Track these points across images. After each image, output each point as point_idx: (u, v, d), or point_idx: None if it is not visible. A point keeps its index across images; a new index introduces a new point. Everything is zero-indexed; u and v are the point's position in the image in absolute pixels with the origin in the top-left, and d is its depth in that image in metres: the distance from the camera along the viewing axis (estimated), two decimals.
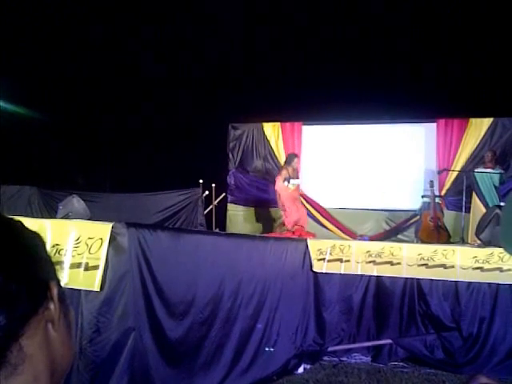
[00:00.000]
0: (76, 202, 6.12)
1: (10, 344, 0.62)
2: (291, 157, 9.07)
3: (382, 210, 10.60)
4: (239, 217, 11.23)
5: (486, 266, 5.63)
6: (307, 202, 10.21)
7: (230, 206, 11.21)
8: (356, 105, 9.88)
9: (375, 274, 5.91)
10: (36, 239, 0.74)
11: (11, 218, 0.72)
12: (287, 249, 5.68)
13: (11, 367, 0.62)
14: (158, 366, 3.94)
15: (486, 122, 10.14)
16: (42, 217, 8.25)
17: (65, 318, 0.73)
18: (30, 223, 0.74)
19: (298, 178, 8.87)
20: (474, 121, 10.22)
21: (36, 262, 0.69)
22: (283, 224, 9.02)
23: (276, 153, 11.31)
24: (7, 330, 0.62)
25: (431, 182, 8.98)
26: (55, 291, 0.70)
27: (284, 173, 8.74)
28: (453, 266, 5.71)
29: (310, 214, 9.97)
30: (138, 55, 11.15)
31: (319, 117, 10.95)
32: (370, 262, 5.90)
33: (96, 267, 3.66)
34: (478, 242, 6.32)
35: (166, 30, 10.49)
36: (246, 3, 9.76)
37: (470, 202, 8.67)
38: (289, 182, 8.65)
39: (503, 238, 1.02)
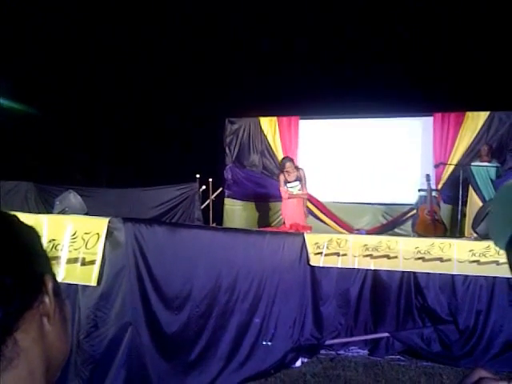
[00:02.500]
0: (73, 197, 6.10)
1: (4, 338, 0.62)
2: (282, 162, 8.79)
3: (379, 204, 10.62)
4: (236, 211, 11.22)
5: (483, 260, 5.64)
6: None
7: (227, 201, 11.21)
8: (353, 99, 9.88)
9: (372, 267, 5.91)
10: (31, 233, 0.74)
11: (6, 213, 0.72)
12: (284, 243, 5.68)
13: (6, 361, 0.62)
14: (154, 359, 3.95)
15: (483, 115, 10.14)
16: (39, 212, 8.23)
17: (60, 312, 0.73)
18: (27, 218, 0.74)
19: (296, 180, 8.64)
20: (470, 114, 10.23)
21: (31, 256, 0.69)
22: (283, 222, 9.01)
23: (273, 147, 11.30)
24: (2, 323, 0.62)
25: (428, 175, 8.98)
26: (50, 285, 0.70)
27: (281, 178, 8.64)
28: (449, 260, 5.72)
29: (307, 209, 9.96)
30: (135, 52, 11.12)
31: (316, 111, 10.95)
32: (367, 255, 5.90)
33: (93, 262, 3.66)
34: (475, 235, 6.33)
35: (163, 28, 10.47)
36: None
37: (467, 196, 8.69)
38: (286, 186, 8.56)
39: (493, 232, 1.02)
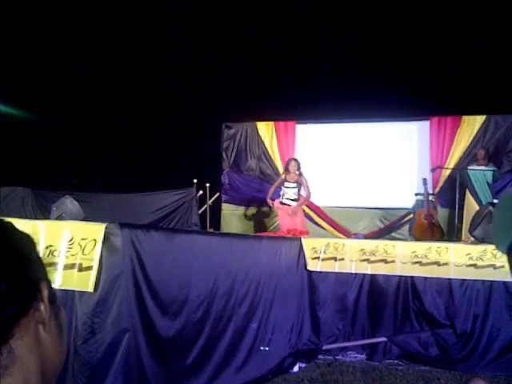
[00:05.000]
0: (69, 203, 6.11)
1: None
2: (287, 162, 8.98)
3: (376, 209, 10.62)
4: (233, 216, 11.22)
5: (480, 263, 5.64)
6: None
7: (225, 206, 11.21)
8: (349, 103, 9.90)
9: (369, 272, 5.92)
10: (26, 240, 0.73)
11: (1, 220, 0.72)
12: (281, 248, 5.68)
13: (2, 368, 0.62)
14: (151, 365, 3.94)
15: (479, 119, 10.17)
16: (36, 218, 8.22)
17: (56, 318, 0.73)
18: (24, 224, 0.73)
19: (295, 182, 8.68)
20: (466, 118, 10.25)
21: (26, 263, 0.69)
22: (279, 228, 9.05)
23: (270, 152, 11.32)
24: None
25: (424, 179, 8.99)
26: (45, 292, 0.70)
27: (281, 178, 8.78)
28: (446, 264, 5.72)
29: (304, 214, 9.97)
30: (131, 54, 11.12)
31: (313, 116, 10.98)
32: (364, 260, 5.91)
33: (90, 268, 3.65)
34: (472, 239, 6.33)
35: (160, 30, 10.47)
36: (238, 3, 9.76)
37: (464, 200, 8.69)
38: (285, 186, 8.63)
39: (495, 236, 1.04)
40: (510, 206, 1.00)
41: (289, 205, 8.60)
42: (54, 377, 0.73)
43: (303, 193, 8.73)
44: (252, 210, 11.23)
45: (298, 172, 8.64)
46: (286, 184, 8.61)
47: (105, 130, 12.31)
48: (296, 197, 8.64)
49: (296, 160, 8.86)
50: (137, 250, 3.92)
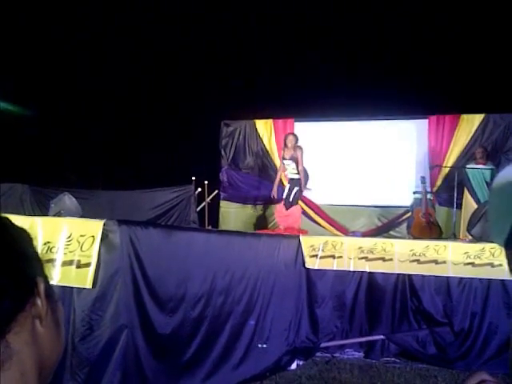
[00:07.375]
0: (68, 200, 6.11)
1: None
2: (285, 137, 9.03)
3: (374, 207, 10.61)
4: (232, 214, 11.21)
5: (478, 262, 5.65)
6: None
7: (223, 203, 11.20)
8: (347, 101, 9.88)
9: (367, 270, 5.93)
10: (23, 236, 0.73)
11: None
12: (279, 245, 5.68)
13: None
14: (149, 361, 3.94)
15: (478, 118, 10.15)
16: (34, 214, 8.21)
17: (53, 314, 0.73)
18: (22, 221, 0.73)
19: (293, 158, 8.65)
20: (465, 117, 10.24)
21: (22, 258, 0.69)
22: (278, 224, 9.07)
23: (268, 150, 11.30)
24: None
25: (423, 178, 8.99)
26: (42, 287, 0.70)
27: (278, 176, 8.95)
28: (444, 262, 5.73)
29: (302, 211, 9.96)
30: (131, 53, 11.11)
31: (311, 114, 10.96)
32: (363, 258, 5.92)
33: (88, 265, 3.66)
34: (470, 237, 6.35)
35: (157, 28, 10.46)
36: (237, 1, 9.75)
37: (462, 198, 8.69)
38: (283, 163, 8.74)
39: (492, 227, 0.96)
40: (504, 192, 0.92)
41: (291, 179, 8.74)
42: (51, 372, 0.73)
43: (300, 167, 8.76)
44: (250, 208, 11.23)
45: (295, 146, 8.68)
46: (285, 161, 8.70)
47: (103, 127, 12.29)
48: (296, 171, 8.66)
49: (294, 134, 8.93)
50: (135, 246, 3.92)
